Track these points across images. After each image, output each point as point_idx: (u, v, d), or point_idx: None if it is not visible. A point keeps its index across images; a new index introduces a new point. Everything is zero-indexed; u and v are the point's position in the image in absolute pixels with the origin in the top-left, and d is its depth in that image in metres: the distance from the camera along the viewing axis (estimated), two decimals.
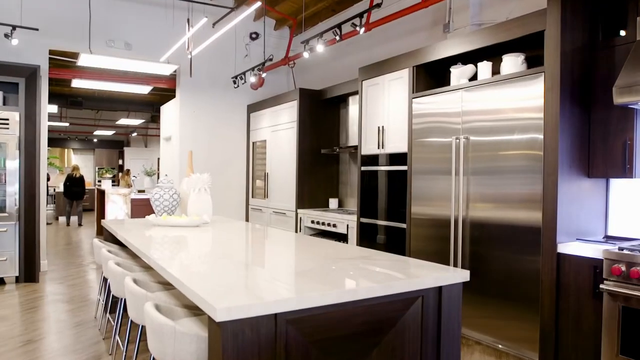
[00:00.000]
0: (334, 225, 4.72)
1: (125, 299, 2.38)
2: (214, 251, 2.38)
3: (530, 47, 3.30)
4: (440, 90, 3.53)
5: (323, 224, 4.90)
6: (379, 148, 4.16)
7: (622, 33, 2.79)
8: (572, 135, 2.80)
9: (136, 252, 2.47)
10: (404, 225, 3.88)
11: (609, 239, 2.89)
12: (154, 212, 5.47)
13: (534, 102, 2.89)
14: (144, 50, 5.79)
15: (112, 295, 2.94)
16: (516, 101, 3.00)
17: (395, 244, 3.98)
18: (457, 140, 3.36)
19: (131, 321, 2.42)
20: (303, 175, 5.43)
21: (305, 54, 4.23)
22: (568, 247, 2.67)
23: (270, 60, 5.16)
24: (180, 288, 1.69)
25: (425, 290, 1.79)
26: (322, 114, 5.57)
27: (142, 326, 2.19)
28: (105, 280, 3.42)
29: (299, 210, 5.35)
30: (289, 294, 1.50)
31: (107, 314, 3.38)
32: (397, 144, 3.96)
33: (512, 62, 3.22)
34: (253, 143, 6.56)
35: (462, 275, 1.88)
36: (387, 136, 4.08)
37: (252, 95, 6.65)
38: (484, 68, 3.35)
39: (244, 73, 5.45)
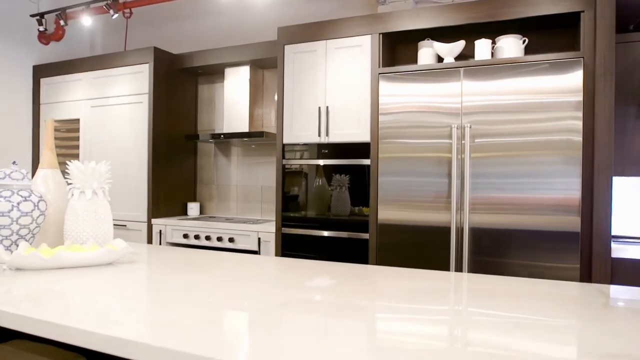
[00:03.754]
0: (231, 240, 3.43)
1: None
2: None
3: (514, 32, 3.01)
4: (426, 66, 2.86)
5: (208, 238, 3.52)
6: (319, 136, 3.18)
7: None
8: None
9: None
10: (364, 236, 3.03)
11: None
12: None
13: (571, 91, 2.55)
14: None
15: None
16: (546, 89, 2.60)
17: (348, 259, 3.09)
18: (458, 131, 2.77)
19: None
20: (158, 171, 3.85)
21: None
22: (624, 250, 2.43)
23: None
24: None
25: None
26: (179, 88, 4.09)
27: None
28: None
29: (155, 220, 3.75)
30: None
31: None
32: (351, 130, 3.08)
33: (513, 45, 2.83)
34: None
35: None
36: (332, 121, 3.14)
37: (40, 52, 4.45)
38: (483, 47, 2.86)
39: (63, 10, 3.47)
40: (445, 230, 2.79)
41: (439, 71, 2.81)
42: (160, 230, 3.73)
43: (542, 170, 2.58)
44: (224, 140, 3.83)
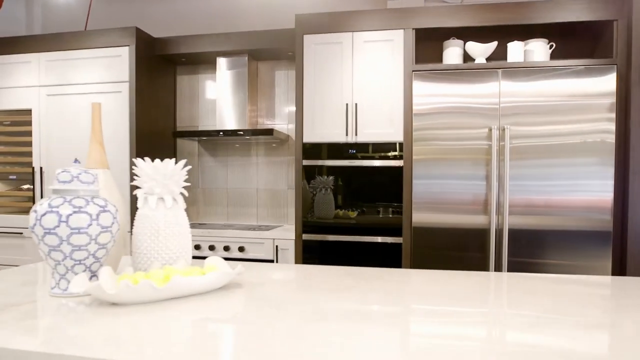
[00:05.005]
0: (241, 249, 3.07)
1: None
2: None
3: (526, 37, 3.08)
4: (465, 66, 2.80)
5: (212, 248, 3.11)
6: (347, 135, 2.96)
7: None
8: None
9: None
10: (396, 240, 2.88)
11: None
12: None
13: (604, 94, 2.65)
14: None
15: None
16: (580, 92, 2.67)
17: (380, 265, 2.91)
18: (497, 132, 2.74)
19: None
20: None
21: None
22: None
23: None
24: None
25: None
26: (159, 78, 3.59)
27: None
28: None
29: None
30: None
31: None
32: (382, 130, 2.92)
33: (542, 49, 2.89)
34: None
35: None
36: (361, 119, 2.95)
37: None
38: (517, 49, 2.87)
39: None
40: (484, 233, 2.76)
41: (476, 71, 2.77)
42: None
43: (577, 172, 2.65)
44: (211, 139, 3.43)
